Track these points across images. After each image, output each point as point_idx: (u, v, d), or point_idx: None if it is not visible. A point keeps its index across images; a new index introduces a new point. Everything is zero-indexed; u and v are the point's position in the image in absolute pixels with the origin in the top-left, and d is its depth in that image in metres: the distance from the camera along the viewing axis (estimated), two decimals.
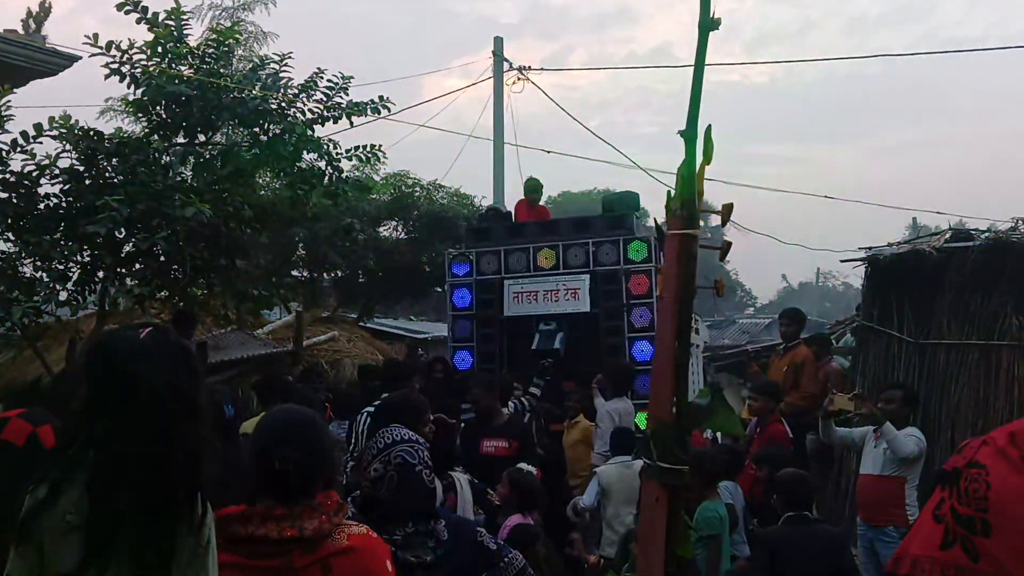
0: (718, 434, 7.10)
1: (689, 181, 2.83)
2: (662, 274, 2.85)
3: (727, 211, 2.86)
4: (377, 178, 15.26)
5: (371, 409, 5.53)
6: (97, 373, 2.26)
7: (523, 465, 5.89)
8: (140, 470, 2.12)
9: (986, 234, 7.24)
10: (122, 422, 2.15)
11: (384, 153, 8.73)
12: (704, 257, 2.87)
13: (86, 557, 2.07)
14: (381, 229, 15.79)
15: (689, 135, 2.84)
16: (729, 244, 2.91)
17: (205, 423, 2.31)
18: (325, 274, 15.99)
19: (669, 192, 2.93)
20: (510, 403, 6.93)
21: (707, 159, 2.90)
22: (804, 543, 4.76)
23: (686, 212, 2.84)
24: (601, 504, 6.20)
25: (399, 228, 16.14)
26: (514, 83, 15.89)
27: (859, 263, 7.75)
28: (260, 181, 10.85)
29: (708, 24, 2.80)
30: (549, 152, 15.60)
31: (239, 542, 2.31)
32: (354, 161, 9.03)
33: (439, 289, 16.28)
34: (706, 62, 2.95)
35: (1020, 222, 7.26)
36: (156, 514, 2.13)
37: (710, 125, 2.88)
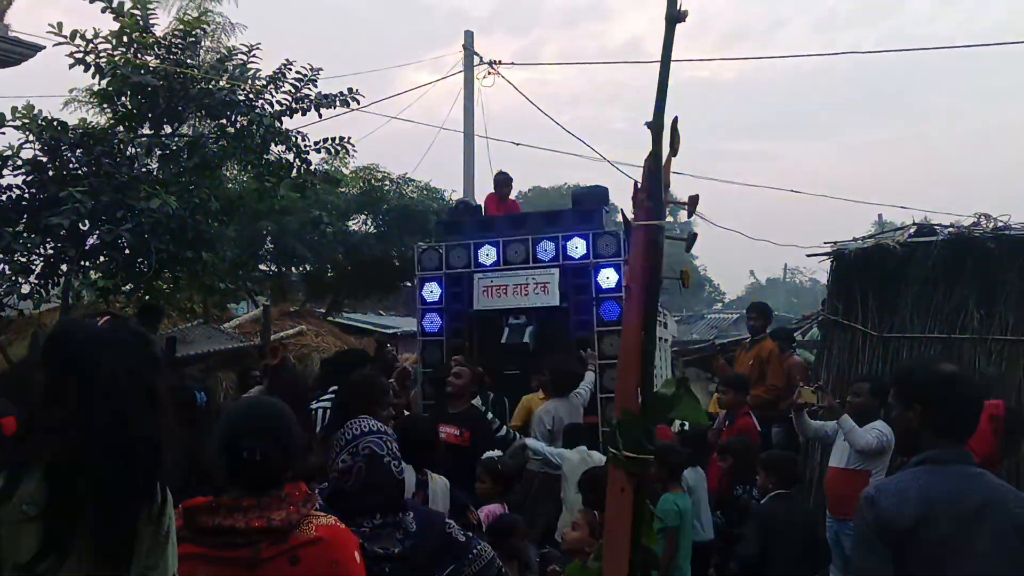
0: (686, 425, 7.14)
1: (655, 172, 2.85)
2: (628, 265, 2.87)
3: (693, 203, 2.89)
4: (346, 171, 15.19)
5: (326, 403, 5.46)
6: (56, 360, 2.25)
7: (492, 453, 5.88)
8: (99, 458, 2.11)
9: (949, 229, 7.35)
10: (80, 410, 2.14)
11: (353, 146, 8.68)
12: (673, 252, 2.89)
13: (43, 547, 2.05)
14: (350, 223, 15.73)
15: (656, 126, 2.86)
16: (695, 235, 2.94)
17: (165, 412, 2.30)
18: (293, 268, 15.90)
19: (636, 183, 2.95)
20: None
21: (674, 151, 2.92)
22: (789, 517, 5.36)
23: (652, 203, 2.87)
24: (563, 488, 6.17)
25: (368, 222, 16.10)
26: (484, 77, 15.85)
27: (824, 258, 7.84)
28: (227, 173, 10.75)
29: (675, 16, 2.82)
30: (519, 145, 15.57)
31: (206, 533, 2.31)
32: (323, 154, 8.98)
33: (408, 283, 16.26)
34: (673, 56, 2.97)
35: (982, 217, 7.37)
36: (115, 503, 2.12)
37: (676, 117, 2.89)
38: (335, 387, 5.42)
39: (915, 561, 2.61)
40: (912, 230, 7.61)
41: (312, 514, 2.41)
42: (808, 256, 8.28)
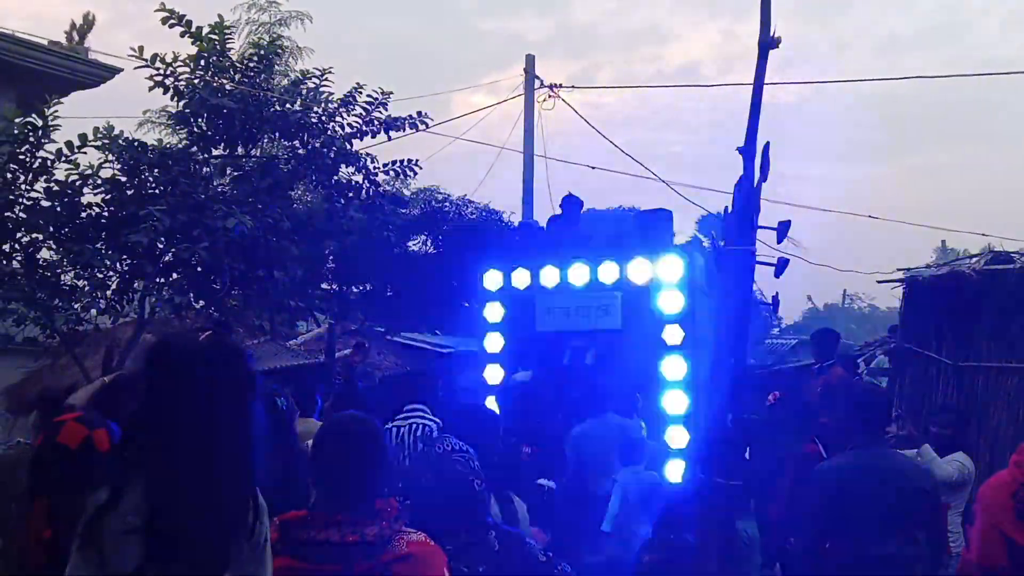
0: None
1: (747, 197, 2.85)
2: (719, 291, 2.87)
3: (784, 228, 2.88)
4: (407, 192, 15.37)
5: (422, 420, 5.51)
6: (157, 373, 2.28)
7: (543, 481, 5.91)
8: (196, 472, 2.14)
9: None
10: (179, 424, 2.17)
11: (421, 167, 8.81)
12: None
13: (147, 559, 2.09)
14: (410, 243, 15.90)
15: (748, 152, 2.86)
16: (786, 261, 2.92)
17: (259, 427, 2.33)
18: (354, 287, 16.09)
19: (726, 208, 2.95)
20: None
21: (764, 176, 2.92)
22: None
23: (743, 228, 2.86)
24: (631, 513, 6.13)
25: (428, 242, 16.24)
26: (544, 100, 15.93)
27: (896, 284, 7.70)
28: (292, 194, 10.96)
29: (768, 42, 2.83)
30: (594, 168, 15.54)
31: (301, 546, 2.34)
32: (389, 175, 9.11)
33: (466, 304, 16.34)
34: (760, 81, 2.97)
35: None
36: (212, 516, 2.16)
37: (768, 142, 2.90)
38: (412, 406, 5.52)
39: None
40: (988, 258, 7.45)
41: (403, 530, 2.42)
42: (879, 283, 8.15)
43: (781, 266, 2.83)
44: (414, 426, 5.46)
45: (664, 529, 4.81)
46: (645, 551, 4.88)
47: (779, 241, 2.84)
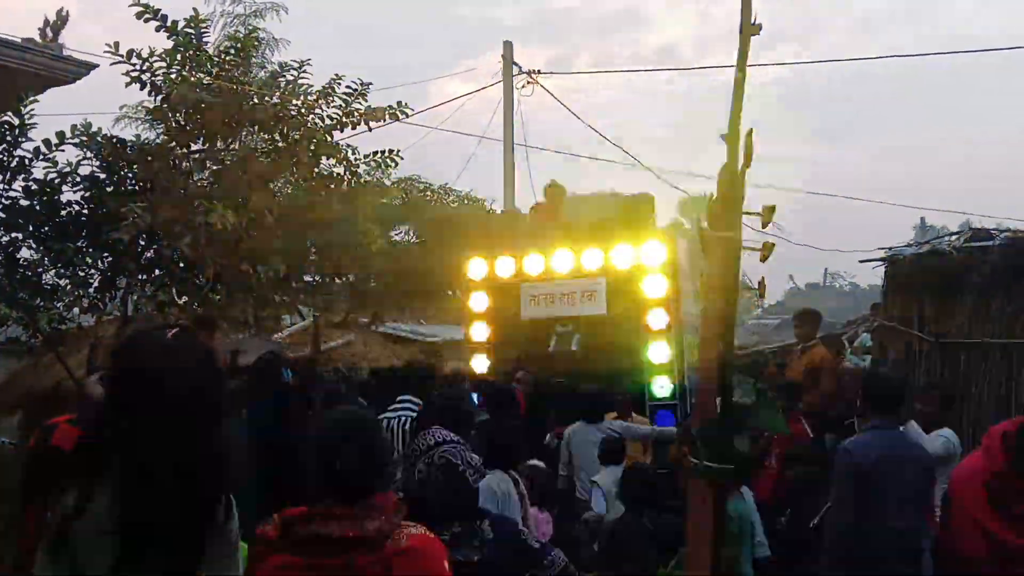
0: None
1: (731, 183, 2.86)
2: (706, 275, 2.88)
3: (769, 212, 2.89)
4: (388, 182, 15.30)
5: (411, 412, 5.54)
6: (123, 372, 2.28)
7: (536, 462, 5.97)
8: (164, 473, 2.13)
9: (1005, 234, 7.26)
10: (146, 423, 2.15)
11: (402, 158, 8.78)
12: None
13: (119, 561, 2.09)
14: (392, 233, 15.83)
15: (731, 138, 2.88)
16: (772, 246, 2.94)
17: (227, 425, 2.34)
18: (337, 278, 16.01)
19: (711, 195, 2.96)
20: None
21: (747, 162, 2.93)
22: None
23: (728, 214, 2.88)
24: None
25: (410, 232, 16.19)
26: (523, 87, 15.90)
27: (878, 264, 7.78)
28: (273, 187, 10.89)
29: (750, 28, 2.84)
30: (576, 156, 15.55)
31: (301, 542, 2.35)
32: (370, 166, 9.08)
33: (450, 292, 16.32)
34: (709, 63, 2.97)
35: None
36: (181, 517, 2.15)
37: (751, 128, 2.91)
38: (404, 397, 5.56)
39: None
40: (968, 235, 7.53)
41: (403, 524, 2.44)
42: (861, 262, 8.21)
43: (767, 252, 2.84)
44: (403, 419, 5.49)
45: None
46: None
47: (763, 226, 2.85)
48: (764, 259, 3.07)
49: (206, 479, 2.21)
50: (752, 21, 2.89)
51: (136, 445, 2.14)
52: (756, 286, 2.92)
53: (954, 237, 7.71)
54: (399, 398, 5.65)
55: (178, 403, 2.18)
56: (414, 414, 5.45)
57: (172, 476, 2.13)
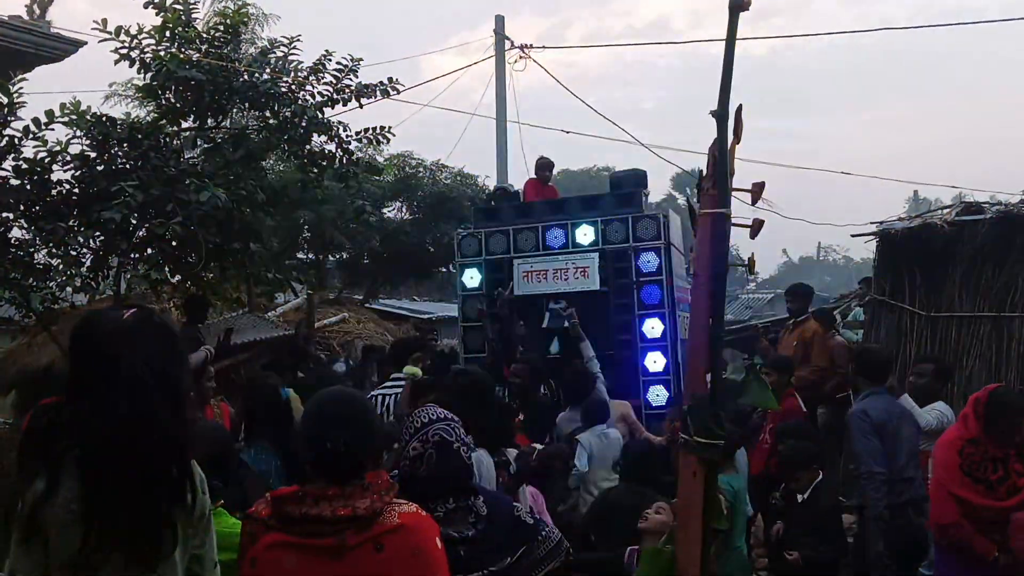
0: None
1: (721, 160, 2.87)
2: (695, 252, 2.90)
3: (759, 189, 2.91)
4: (381, 159, 15.28)
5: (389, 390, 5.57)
6: (79, 352, 2.25)
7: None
8: (123, 454, 2.11)
9: (996, 207, 7.29)
10: (104, 404, 2.13)
11: (394, 134, 8.74)
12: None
13: (86, 544, 2.07)
14: (385, 210, 15.84)
15: (720, 114, 2.88)
16: (761, 222, 2.95)
17: (189, 405, 2.32)
18: (330, 256, 16.03)
19: (700, 171, 2.97)
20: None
21: (737, 138, 2.94)
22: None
23: (718, 191, 2.89)
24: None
25: (403, 209, 16.20)
26: (515, 61, 15.82)
27: (869, 237, 7.80)
28: (265, 165, 10.86)
29: (739, 4, 2.84)
30: (568, 133, 15.47)
31: (294, 522, 2.37)
32: (362, 143, 9.05)
33: (443, 269, 16.34)
34: (704, 37, 2.98)
35: None
36: (145, 499, 2.13)
37: (741, 105, 2.91)
38: (396, 375, 5.58)
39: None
40: (959, 208, 7.55)
41: (394, 502, 2.45)
42: (853, 236, 8.25)
43: (756, 228, 2.85)
44: (397, 395, 5.52)
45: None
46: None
47: (753, 203, 2.86)
48: (754, 236, 3.09)
49: (169, 458, 2.19)
50: None
51: (98, 427, 2.11)
52: (746, 262, 2.93)
53: (945, 211, 7.74)
54: (392, 376, 5.67)
55: (132, 385, 2.15)
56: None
57: (128, 456, 2.11)
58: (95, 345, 2.20)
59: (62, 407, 2.21)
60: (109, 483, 2.09)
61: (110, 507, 2.08)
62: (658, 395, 8.27)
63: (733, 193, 2.93)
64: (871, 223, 7.81)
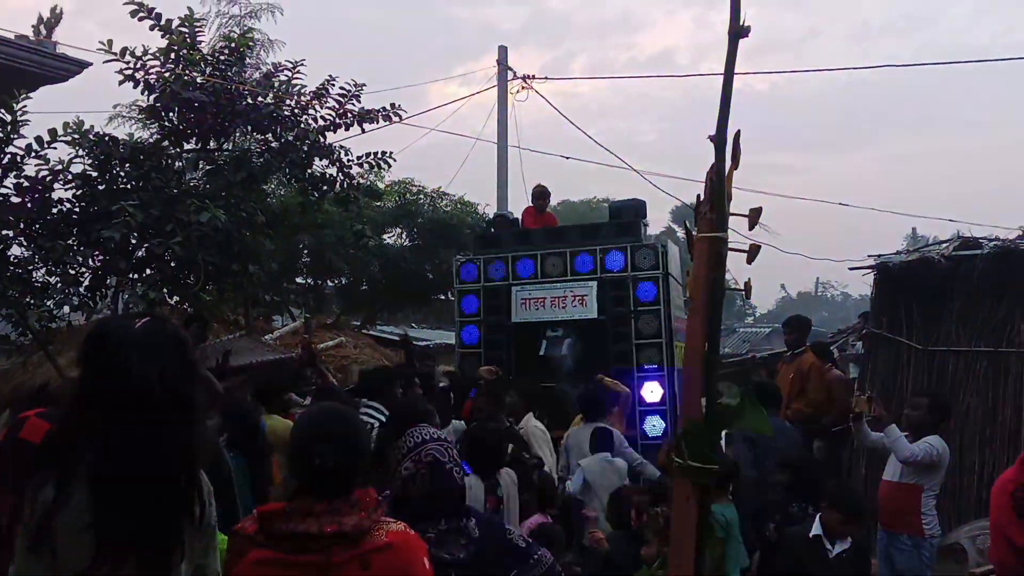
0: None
1: (718, 184, 2.87)
2: (691, 277, 2.88)
3: (755, 215, 2.90)
4: (381, 185, 15.32)
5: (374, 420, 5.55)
6: (90, 362, 2.23)
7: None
8: (134, 465, 2.10)
9: (994, 242, 7.30)
10: (114, 413, 2.12)
11: (395, 160, 8.79)
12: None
13: (98, 554, 2.06)
14: (385, 236, 15.86)
15: (719, 140, 2.88)
16: (757, 247, 2.94)
17: (200, 416, 2.30)
18: (329, 281, 16.02)
19: (698, 196, 2.97)
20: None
21: (735, 164, 2.94)
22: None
23: (715, 215, 2.88)
24: (586, 496, 6.24)
25: (403, 235, 16.22)
26: (518, 92, 15.95)
27: (867, 271, 7.81)
28: (266, 188, 10.90)
29: (739, 31, 2.85)
30: (568, 159, 15.56)
31: (281, 538, 2.34)
32: (363, 168, 9.09)
33: (442, 296, 16.33)
34: (706, 69, 2.99)
35: None
36: (156, 510, 2.13)
37: (739, 130, 2.91)
38: (369, 403, 5.57)
39: None
40: (957, 243, 7.56)
41: (383, 520, 2.43)
42: (851, 270, 8.26)
43: (753, 253, 2.84)
44: (368, 425, 5.49)
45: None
46: None
47: (750, 228, 2.85)
48: (750, 261, 3.08)
49: (179, 468, 2.18)
50: (741, 25, 2.90)
51: (108, 436, 2.11)
52: (743, 288, 2.91)
53: (943, 245, 7.76)
54: (364, 402, 5.66)
55: (146, 393, 2.14)
56: (376, 422, 5.40)
57: (138, 465, 2.10)
58: (106, 354, 2.19)
59: (71, 416, 2.21)
60: (118, 492, 2.08)
61: (119, 516, 2.07)
62: (654, 425, 8.23)
63: (730, 218, 2.93)
64: (869, 256, 7.84)
